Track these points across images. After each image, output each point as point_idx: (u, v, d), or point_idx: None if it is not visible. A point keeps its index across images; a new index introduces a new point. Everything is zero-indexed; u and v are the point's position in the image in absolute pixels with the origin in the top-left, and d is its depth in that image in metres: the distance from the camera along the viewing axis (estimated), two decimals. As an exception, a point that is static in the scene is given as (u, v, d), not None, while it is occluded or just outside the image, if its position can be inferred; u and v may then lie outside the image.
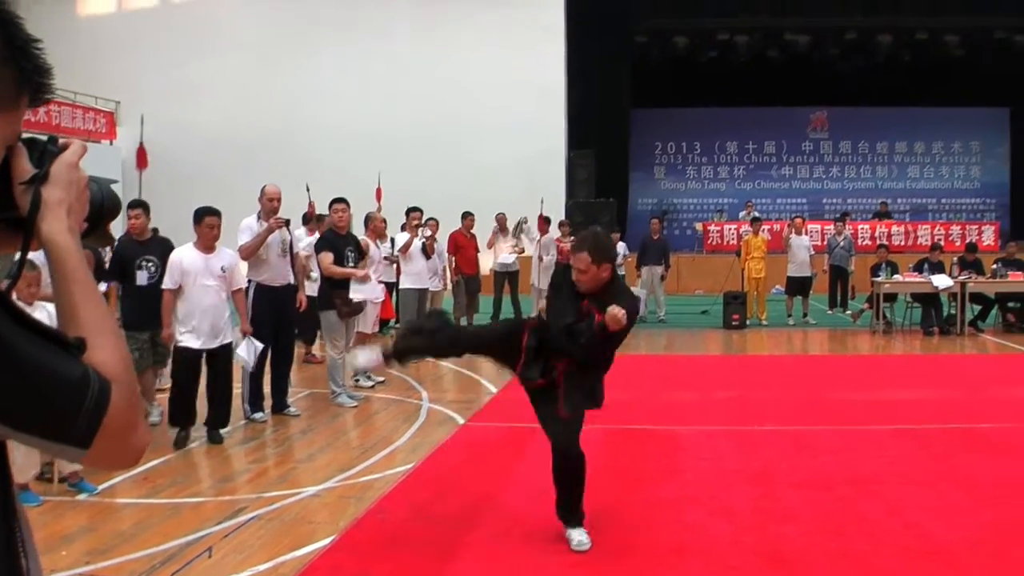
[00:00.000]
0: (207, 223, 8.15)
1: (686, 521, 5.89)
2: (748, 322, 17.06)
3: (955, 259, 17.06)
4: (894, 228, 25.81)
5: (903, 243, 24.65)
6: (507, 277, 17.02)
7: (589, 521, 5.52)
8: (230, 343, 8.31)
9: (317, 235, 11.52)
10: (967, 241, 20.56)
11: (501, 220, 17.20)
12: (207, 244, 8.18)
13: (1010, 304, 16.80)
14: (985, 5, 27.10)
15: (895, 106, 30.43)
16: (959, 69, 29.07)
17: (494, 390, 10.66)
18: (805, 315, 17.86)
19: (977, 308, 16.86)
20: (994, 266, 16.80)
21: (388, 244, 13.73)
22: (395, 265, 13.62)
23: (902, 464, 7.31)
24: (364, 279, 10.01)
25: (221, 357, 8.28)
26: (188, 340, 8.04)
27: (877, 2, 27.51)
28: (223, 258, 8.25)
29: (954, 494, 6.48)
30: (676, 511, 6.10)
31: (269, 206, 9.24)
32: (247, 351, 8.45)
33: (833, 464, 7.28)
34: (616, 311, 5.07)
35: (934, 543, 5.50)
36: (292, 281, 9.56)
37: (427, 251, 13.50)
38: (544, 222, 17.32)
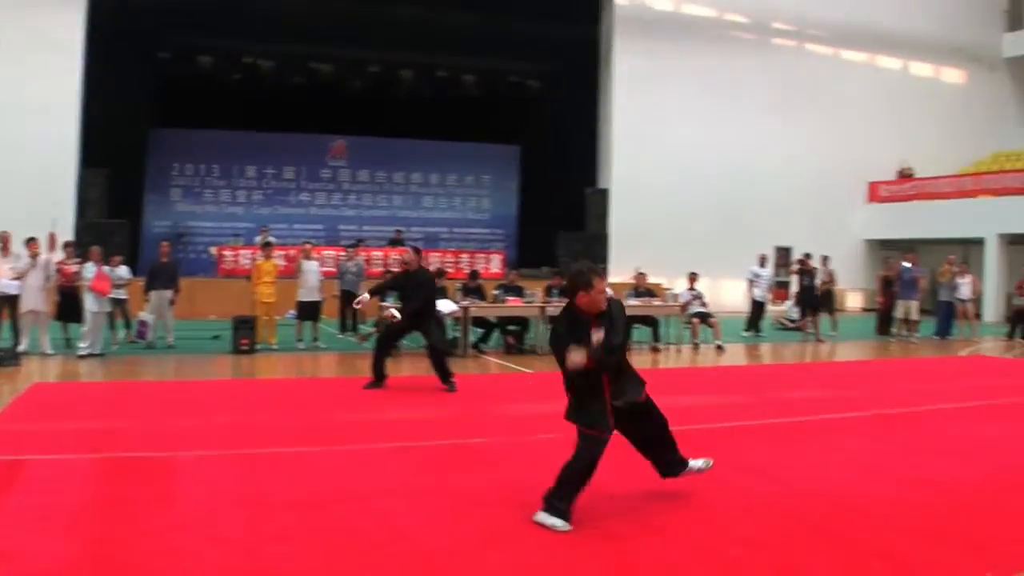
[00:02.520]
0: None
1: (177, 548, 5.70)
2: (258, 347, 16.93)
3: (459, 285, 17.92)
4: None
5: (415, 270, 25.38)
6: (6, 301, 15.85)
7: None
8: None
9: None
10: (472, 269, 21.64)
11: (5, 239, 16.03)
12: None
13: (510, 327, 17.86)
14: (501, 50, 28.87)
15: (413, 138, 31.64)
16: (476, 107, 30.81)
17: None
18: (315, 339, 17.98)
19: (480, 331, 17.76)
20: (495, 292, 17.82)
21: None
22: None
23: (397, 479, 7.53)
24: None
25: None
26: None
27: (400, 38, 28.46)
28: None
29: (443, 504, 6.78)
30: (167, 539, 5.89)
31: None
32: None
33: (331, 483, 7.36)
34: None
35: (421, 551, 5.76)
36: None
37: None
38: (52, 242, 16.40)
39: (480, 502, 6.88)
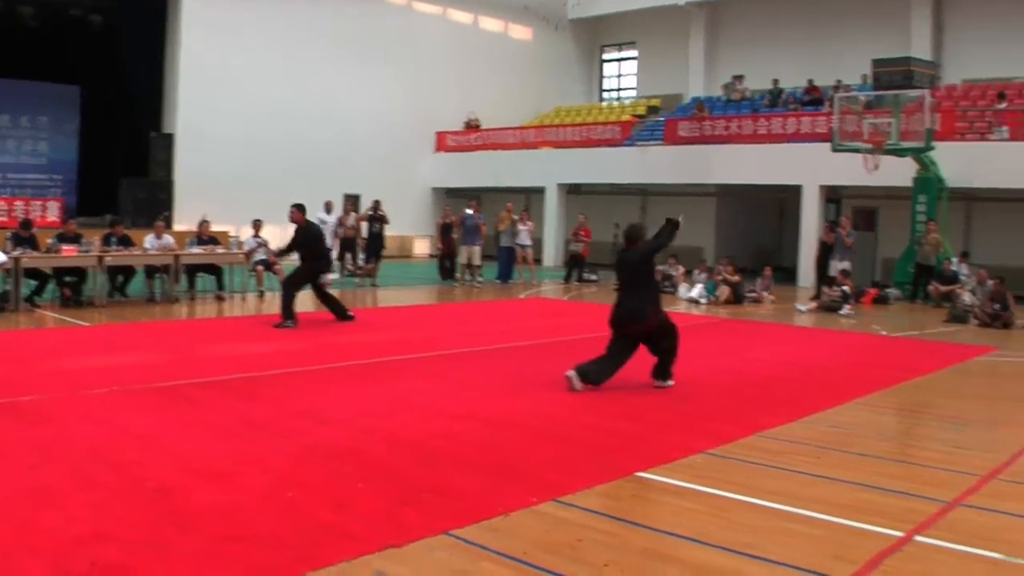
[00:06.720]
0: None
1: None
2: None
3: (8, 235, 16.79)
4: (-45, 204, 24.88)
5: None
6: None
7: None
8: None
9: None
10: (25, 217, 20.42)
11: None
12: None
13: (67, 278, 16.92)
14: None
15: (-40, 75, 29.10)
16: (32, 42, 28.71)
17: None
18: None
19: (34, 283, 16.73)
20: (49, 241, 16.85)
21: None
22: None
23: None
24: None
25: None
26: None
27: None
28: None
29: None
30: None
31: None
32: None
33: None
34: None
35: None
36: None
37: None
38: None
39: (28, 462, 6.58)
